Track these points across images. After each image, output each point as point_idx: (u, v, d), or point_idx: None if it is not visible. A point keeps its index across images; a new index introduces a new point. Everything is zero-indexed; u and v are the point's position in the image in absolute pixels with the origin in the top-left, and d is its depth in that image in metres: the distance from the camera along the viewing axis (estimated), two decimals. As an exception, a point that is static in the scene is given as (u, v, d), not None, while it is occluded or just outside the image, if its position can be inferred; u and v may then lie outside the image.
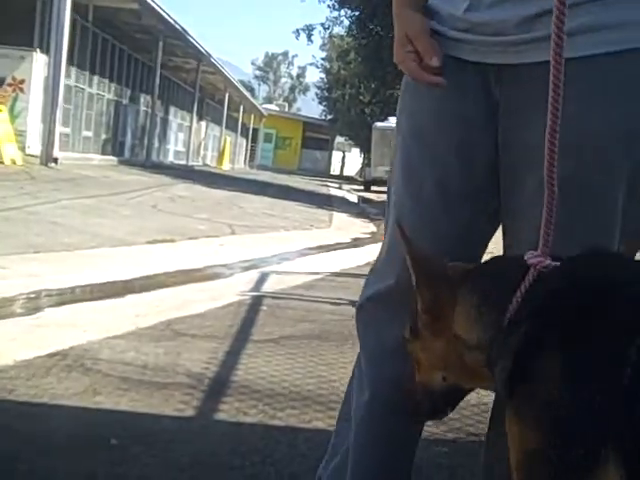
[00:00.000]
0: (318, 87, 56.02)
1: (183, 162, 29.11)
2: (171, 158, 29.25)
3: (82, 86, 19.53)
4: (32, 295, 4.29)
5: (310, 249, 8.12)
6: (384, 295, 1.59)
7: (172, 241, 7.31)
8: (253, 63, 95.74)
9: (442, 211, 1.51)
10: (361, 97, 27.66)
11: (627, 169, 1.37)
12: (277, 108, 59.04)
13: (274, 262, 6.87)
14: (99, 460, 2.26)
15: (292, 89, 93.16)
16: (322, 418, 2.77)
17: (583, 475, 0.98)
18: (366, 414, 1.63)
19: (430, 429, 2.70)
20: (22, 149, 15.14)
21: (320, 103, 54.71)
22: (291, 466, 2.34)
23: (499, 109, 1.46)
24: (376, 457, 1.65)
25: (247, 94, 39.88)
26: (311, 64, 59.31)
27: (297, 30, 32.63)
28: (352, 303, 4.35)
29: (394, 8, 1.58)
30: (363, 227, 12.09)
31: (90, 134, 20.54)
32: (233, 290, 5.18)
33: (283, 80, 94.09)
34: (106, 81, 21.41)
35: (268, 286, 5.55)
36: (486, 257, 1.38)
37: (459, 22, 1.48)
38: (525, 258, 1.17)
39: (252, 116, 47.88)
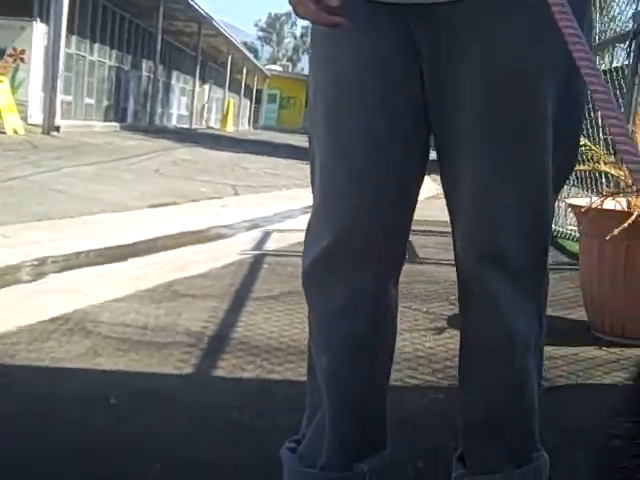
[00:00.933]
0: (321, 46, 55.49)
1: (187, 126, 29.03)
2: (174, 122, 29.20)
3: (83, 54, 19.46)
4: (35, 262, 4.33)
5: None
6: (325, 255, 1.57)
7: (174, 204, 7.33)
8: (256, 24, 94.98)
9: (374, 160, 1.47)
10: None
11: (561, 96, 1.38)
12: (281, 69, 58.62)
13: (277, 221, 6.88)
14: (99, 419, 2.29)
15: (296, 49, 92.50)
16: (319, 371, 2.79)
17: None
18: (328, 377, 1.64)
19: (425, 377, 2.74)
20: (24, 119, 15.17)
21: (323, 62, 54.21)
22: (287, 418, 2.35)
23: (422, 50, 1.42)
24: (348, 414, 1.66)
25: (250, 56, 39.61)
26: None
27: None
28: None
29: None
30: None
31: (92, 101, 20.51)
32: (235, 250, 5.20)
33: (287, 40, 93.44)
34: (107, 48, 21.34)
35: (270, 244, 5.57)
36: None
37: None
38: None
39: (255, 77, 47.60)
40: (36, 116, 16.16)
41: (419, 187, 1.58)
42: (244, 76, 42.55)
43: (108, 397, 2.45)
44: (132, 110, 24.11)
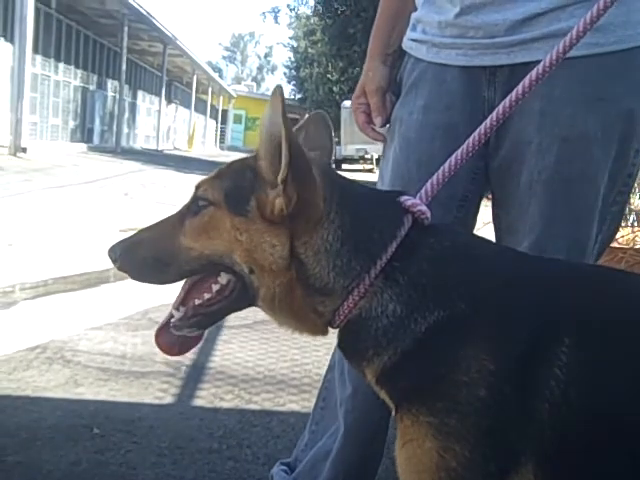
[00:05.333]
0: (286, 66, 55.74)
1: (153, 147, 28.97)
2: (141, 143, 29.10)
3: (48, 74, 19.35)
4: (8, 289, 4.34)
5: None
6: None
7: (145, 229, 7.34)
8: (220, 44, 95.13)
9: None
10: (329, 76, 27.67)
11: (611, 161, 1.52)
12: (246, 89, 58.74)
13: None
14: (83, 449, 2.36)
15: (260, 69, 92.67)
16: (295, 400, 2.89)
17: None
18: (350, 406, 1.75)
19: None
20: (-10, 140, 15.03)
21: (289, 82, 54.44)
22: (266, 447, 2.45)
23: (489, 102, 1.57)
24: (362, 439, 1.78)
25: (215, 76, 39.64)
26: (278, 43, 59.03)
27: (263, 13, 32.88)
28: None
29: (367, 56, 1.76)
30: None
31: (58, 122, 20.39)
32: (207, 277, 5.23)
33: (251, 60, 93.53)
34: (72, 67, 21.23)
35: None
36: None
37: (448, 28, 1.60)
38: (403, 200, 1.18)
39: (221, 97, 47.70)
40: (2, 137, 16.01)
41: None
42: (209, 96, 42.62)
43: (91, 427, 2.52)
44: (98, 131, 24.01)
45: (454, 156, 1.28)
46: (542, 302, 1.07)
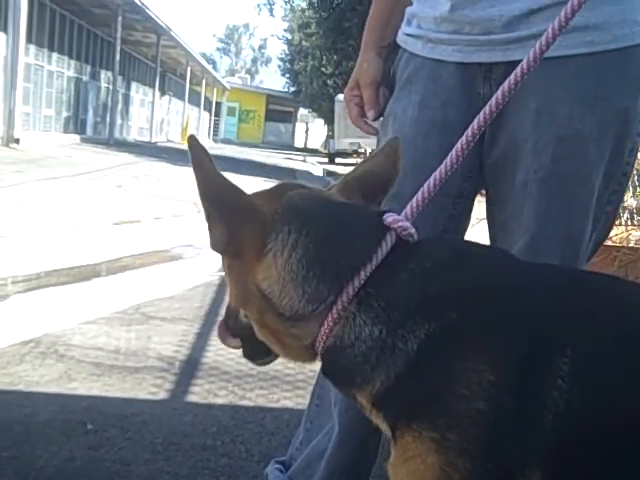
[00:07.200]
0: (280, 59, 55.62)
1: (147, 138, 28.90)
2: (134, 135, 29.03)
3: (41, 64, 19.27)
4: (0, 282, 4.33)
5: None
6: None
7: (138, 222, 7.34)
8: (214, 36, 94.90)
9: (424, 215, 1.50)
10: (323, 69, 27.60)
11: (606, 160, 1.51)
12: (240, 81, 58.64)
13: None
14: (76, 445, 2.36)
15: (254, 61, 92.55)
16: (289, 397, 2.90)
17: None
18: (344, 406, 1.75)
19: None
20: (-18, 130, 14.97)
21: (283, 75, 54.34)
22: (260, 444, 2.46)
23: (485, 97, 1.53)
24: (357, 439, 1.77)
25: (209, 67, 39.52)
26: (273, 35, 59.00)
27: (259, 5, 32.81)
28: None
29: (361, 48, 1.75)
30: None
31: (51, 112, 20.31)
32: (201, 270, 5.26)
33: (245, 52, 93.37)
34: (65, 58, 21.14)
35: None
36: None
37: (444, 24, 1.58)
38: (384, 217, 1.11)
39: (215, 90, 47.56)
40: (-6, 127, 16.00)
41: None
42: (203, 88, 42.51)
43: (84, 422, 2.52)
44: (92, 122, 23.94)
45: (433, 177, 1.22)
46: (541, 311, 1.05)
